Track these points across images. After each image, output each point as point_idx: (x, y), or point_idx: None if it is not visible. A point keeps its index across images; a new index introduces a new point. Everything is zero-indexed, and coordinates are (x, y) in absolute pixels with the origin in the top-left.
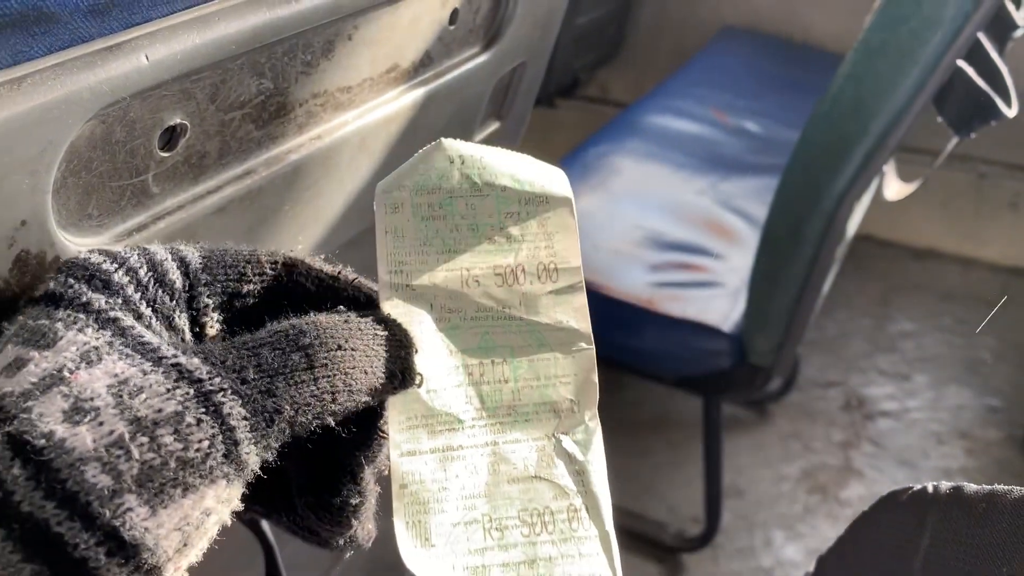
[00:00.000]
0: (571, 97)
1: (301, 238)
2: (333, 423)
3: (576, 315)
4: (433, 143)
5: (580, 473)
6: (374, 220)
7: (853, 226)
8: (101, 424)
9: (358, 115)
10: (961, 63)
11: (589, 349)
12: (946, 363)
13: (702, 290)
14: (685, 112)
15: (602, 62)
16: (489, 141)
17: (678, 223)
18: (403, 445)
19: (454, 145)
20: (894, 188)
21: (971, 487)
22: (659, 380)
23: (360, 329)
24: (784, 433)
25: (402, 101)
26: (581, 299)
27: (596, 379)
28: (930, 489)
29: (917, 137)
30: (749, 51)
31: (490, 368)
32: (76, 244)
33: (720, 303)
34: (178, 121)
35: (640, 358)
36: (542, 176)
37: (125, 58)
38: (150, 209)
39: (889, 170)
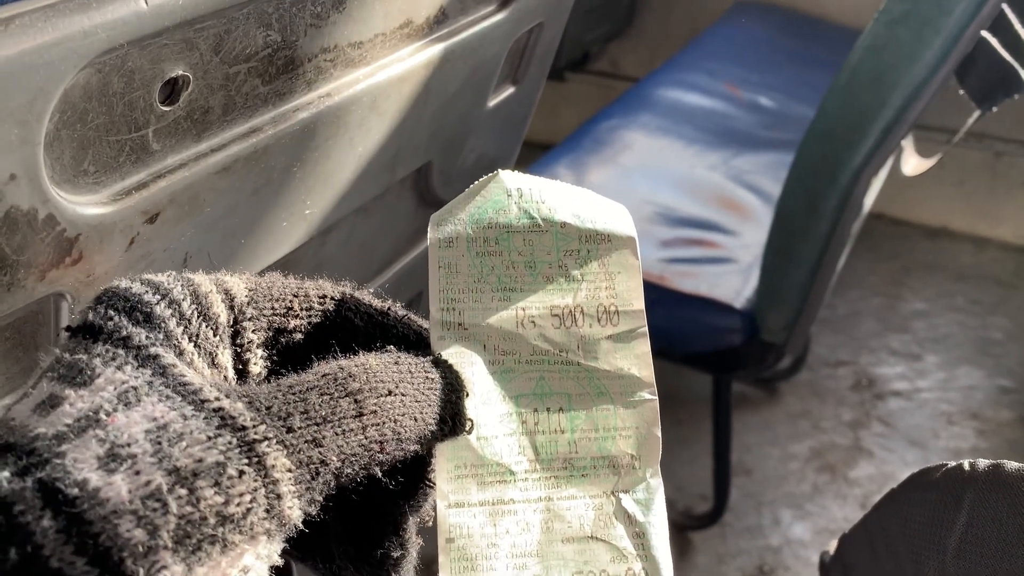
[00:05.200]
0: (581, 71)
1: (309, 202)
2: (379, 473)
3: (638, 362)
4: (490, 174)
5: (640, 535)
6: (384, 187)
7: (869, 201)
8: (138, 473)
9: (369, 73)
10: (985, 34)
11: (652, 400)
12: (958, 343)
13: (714, 266)
14: (698, 86)
15: (613, 36)
16: (503, 107)
17: (690, 198)
18: (451, 496)
19: (512, 177)
20: (912, 163)
21: (1012, 465)
22: (669, 357)
23: (411, 372)
24: (793, 412)
25: (415, 59)
26: (644, 345)
27: (659, 433)
28: (967, 466)
29: (934, 115)
30: (763, 25)
31: (545, 417)
32: (71, 201)
33: (732, 279)
34: (180, 73)
35: (650, 334)
36: (604, 213)
37: (123, 1)
38: (150, 166)
39: (907, 145)
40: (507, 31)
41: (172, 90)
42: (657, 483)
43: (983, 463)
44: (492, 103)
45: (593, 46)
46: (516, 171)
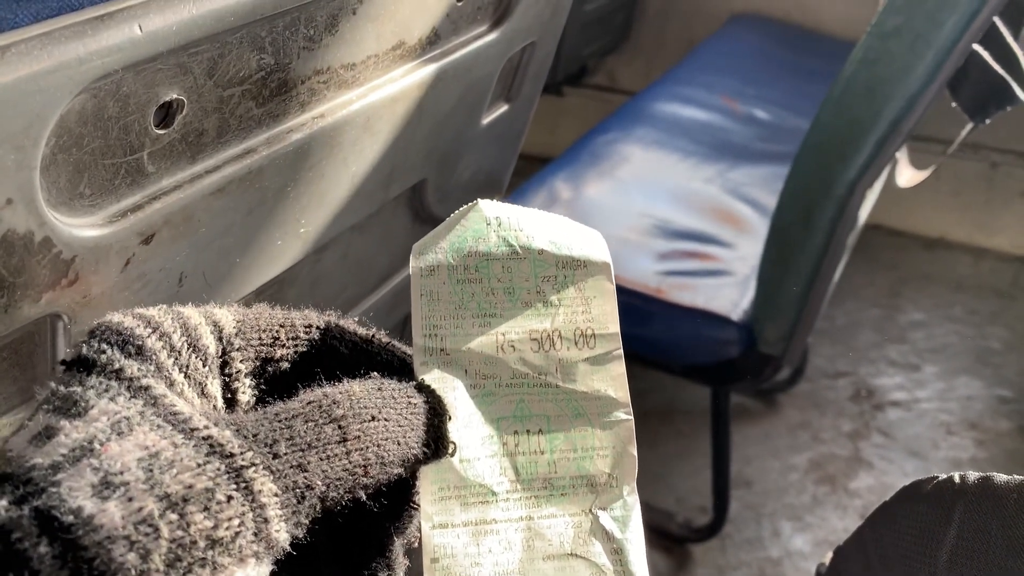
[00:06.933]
0: (579, 85)
1: (303, 221)
2: (364, 496)
3: (614, 383)
4: (469, 204)
5: (618, 551)
6: (379, 204)
7: (864, 213)
8: (131, 500)
9: (363, 94)
10: (977, 47)
11: (627, 420)
12: (956, 353)
13: (711, 279)
14: (694, 99)
15: (610, 50)
16: (497, 124)
17: (687, 211)
18: (435, 517)
19: (491, 206)
20: (906, 175)
21: (1001, 477)
22: (667, 369)
23: (394, 398)
24: (793, 423)
25: (408, 80)
26: (619, 367)
27: (635, 451)
28: (956, 479)
29: (929, 125)
30: (758, 38)
31: (525, 438)
32: (67, 224)
33: (729, 292)
34: (174, 97)
35: (648, 347)
36: (580, 239)
37: (117, 28)
38: (145, 189)
39: (901, 156)
40: (499, 51)
41: (167, 113)
42: (634, 500)
43: (973, 476)
44: (486, 121)
45: (590, 60)
46: (495, 200)
